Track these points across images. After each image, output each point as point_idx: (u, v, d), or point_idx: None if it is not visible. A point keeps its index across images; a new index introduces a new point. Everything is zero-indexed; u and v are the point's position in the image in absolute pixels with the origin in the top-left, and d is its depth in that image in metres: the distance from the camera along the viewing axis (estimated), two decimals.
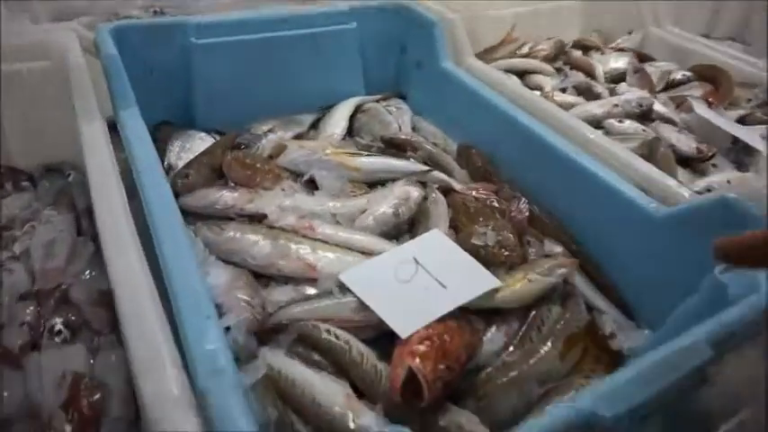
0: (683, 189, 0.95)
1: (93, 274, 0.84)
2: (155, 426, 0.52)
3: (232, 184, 1.01)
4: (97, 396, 0.67)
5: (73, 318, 0.77)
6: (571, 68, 1.55)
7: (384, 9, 1.34)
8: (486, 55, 1.55)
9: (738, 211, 0.78)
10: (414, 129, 1.29)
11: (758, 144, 1.21)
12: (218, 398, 0.52)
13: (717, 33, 2.06)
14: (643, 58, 1.63)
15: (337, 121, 1.23)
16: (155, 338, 0.60)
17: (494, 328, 0.85)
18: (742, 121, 1.39)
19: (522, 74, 1.51)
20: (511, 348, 0.83)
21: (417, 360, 0.70)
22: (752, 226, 0.76)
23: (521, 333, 0.85)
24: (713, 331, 0.60)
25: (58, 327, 0.75)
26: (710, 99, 1.42)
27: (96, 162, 0.83)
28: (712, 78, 1.50)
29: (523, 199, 1.04)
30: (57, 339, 0.75)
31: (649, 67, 1.56)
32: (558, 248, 0.98)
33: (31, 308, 0.78)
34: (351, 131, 1.25)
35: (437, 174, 1.08)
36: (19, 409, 0.68)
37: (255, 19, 1.19)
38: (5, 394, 0.68)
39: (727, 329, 0.60)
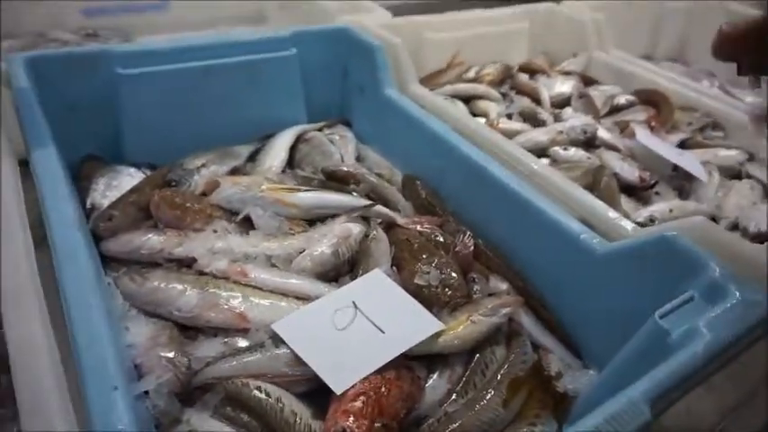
0: (626, 222, 0.95)
1: None
2: None
3: (161, 226, 0.95)
4: None
5: None
6: (517, 93, 1.55)
7: (325, 34, 1.31)
8: (431, 80, 1.53)
9: (678, 249, 0.77)
10: (358, 158, 1.25)
11: (698, 172, 1.22)
12: None
13: (658, 54, 2.11)
14: (588, 81, 1.65)
15: (276, 152, 1.17)
16: (51, 417, 0.54)
17: (436, 375, 0.82)
18: (683, 144, 1.42)
19: (468, 99, 1.49)
20: (453, 396, 0.80)
21: (351, 419, 0.68)
22: (692, 264, 0.76)
23: (464, 378, 0.82)
24: (651, 389, 0.57)
25: None
26: (653, 123, 1.43)
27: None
28: (654, 102, 1.53)
29: (468, 233, 1.01)
30: None
31: (594, 91, 1.57)
32: (504, 285, 0.95)
33: None
34: (291, 163, 1.20)
35: (379, 208, 1.04)
36: None
37: (187, 46, 1.12)
38: None
39: (666, 386, 0.58)
